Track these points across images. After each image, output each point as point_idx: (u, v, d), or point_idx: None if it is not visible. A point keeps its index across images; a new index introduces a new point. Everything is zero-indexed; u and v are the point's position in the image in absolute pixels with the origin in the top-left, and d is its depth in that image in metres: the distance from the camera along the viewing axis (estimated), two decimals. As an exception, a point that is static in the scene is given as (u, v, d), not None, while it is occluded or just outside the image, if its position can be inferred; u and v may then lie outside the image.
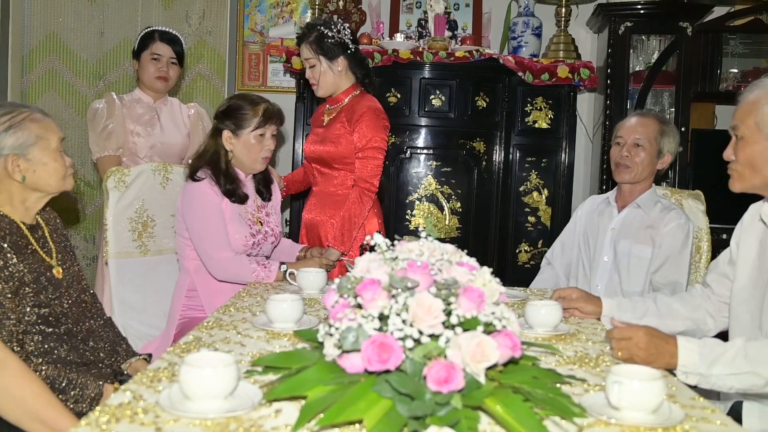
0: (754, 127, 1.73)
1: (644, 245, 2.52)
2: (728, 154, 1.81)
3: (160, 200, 2.73)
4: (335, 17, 2.84)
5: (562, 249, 2.82)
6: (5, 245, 1.73)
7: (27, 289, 1.76)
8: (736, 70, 4.05)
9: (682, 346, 1.57)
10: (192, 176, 2.46)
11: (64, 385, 1.72)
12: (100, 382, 1.79)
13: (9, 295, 1.69)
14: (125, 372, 2.00)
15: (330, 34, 2.72)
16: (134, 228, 2.65)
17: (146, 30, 3.28)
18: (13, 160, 1.78)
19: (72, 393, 1.72)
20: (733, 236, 1.97)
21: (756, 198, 1.88)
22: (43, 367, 1.72)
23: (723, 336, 1.86)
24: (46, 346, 1.80)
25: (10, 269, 1.72)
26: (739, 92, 1.84)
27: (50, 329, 1.81)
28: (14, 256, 1.74)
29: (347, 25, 2.81)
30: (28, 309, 1.76)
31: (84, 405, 1.72)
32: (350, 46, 2.77)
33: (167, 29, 3.29)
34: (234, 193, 2.47)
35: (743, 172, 1.76)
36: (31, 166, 1.80)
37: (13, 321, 1.69)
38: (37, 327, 1.78)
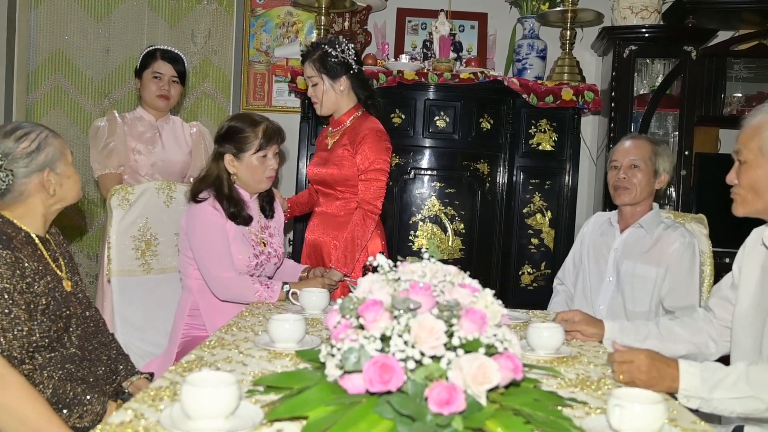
0: (757, 152, 1.74)
1: (648, 265, 2.53)
2: (731, 178, 1.81)
3: (163, 218, 2.73)
4: (340, 37, 2.86)
5: (573, 265, 2.82)
6: (22, 257, 1.75)
7: (41, 299, 1.78)
8: (740, 95, 4.06)
9: (684, 369, 1.57)
10: (194, 198, 2.46)
11: (69, 399, 1.72)
12: (104, 399, 1.79)
13: (23, 307, 1.71)
14: (126, 390, 2.00)
15: (333, 53, 2.74)
16: (137, 246, 2.66)
17: (148, 49, 3.30)
18: (47, 174, 1.84)
19: (77, 408, 1.72)
20: (735, 260, 1.97)
21: (758, 222, 1.88)
22: (50, 382, 1.72)
23: (725, 360, 1.85)
24: (55, 359, 1.81)
25: (27, 281, 1.74)
26: (742, 116, 1.85)
27: (59, 342, 1.83)
28: (30, 268, 1.77)
29: (352, 45, 2.81)
30: (39, 321, 1.77)
31: (88, 421, 1.72)
32: (353, 67, 2.78)
33: (169, 48, 3.32)
34: (238, 215, 2.48)
35: (746, 197, 1.77)
36: (60, 180, 1.88)
37: (25, 333, 1.70)
38: (47, 339, 1.79)
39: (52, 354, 1.81)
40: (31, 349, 1.73)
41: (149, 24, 4.31)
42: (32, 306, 1.75)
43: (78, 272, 2.05)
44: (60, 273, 1.91)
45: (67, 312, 1.86)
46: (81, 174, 3.99)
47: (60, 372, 1.81)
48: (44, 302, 1.78)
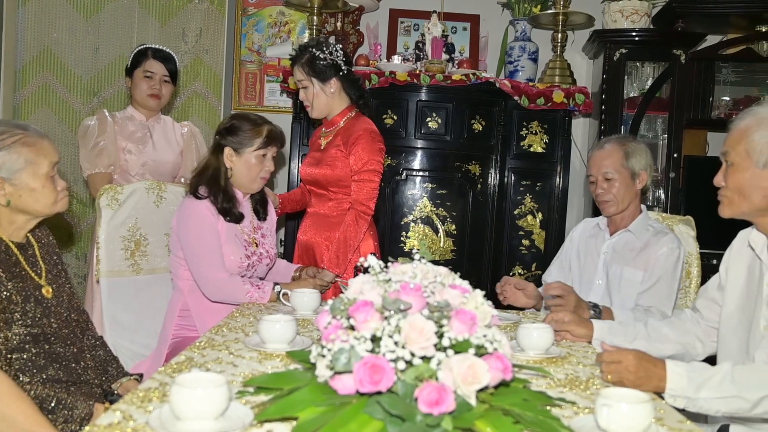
0: (744, 154, 1.75)
1: (635, 269, 2.53)
2: (718, 180, 1.83)
3: (153, 219, 2.72)
4: (330, 38, 2.85)
5: (560, 268, 2.82)
6: None
7: (15, 308, 1.74)
8: (727, 98, 4.09)
9: (671, 369, 1.58)
10: (194, 192, 2.46)
11: (53, 404, 1.70)
12: (90, 402, 1.77)
13: None
14: (115, 392, 1.99)
15: (322, 55, 2.73)
16: (127, 246, 2.65)
17: (139, 47, 3.29)
18: None
19: (62, 413, 1.71)
20: (722, 262, 1.99)
21: (745, 224, 1.90)
22: (32, 387, 1.70)
23: (711, 360, 1.87)
24: (34, 365, 1.78)
25: None
26: (730, 120, 1.87)
27: (39, 348, 1.79)
28: (2, 275, 1.74)
29: (340, 46, 2.80)
30: (16, 328, 1.74)
31: (74, 425, 1.71)
32: (343, 68, 2.77)
33: (160, 47, 3.31)
34: (230, 212, 2.47)
35: (732, 198, 1.79)
36: (17, 191, 1.78)
37: (1, 339, 1.68)
38: (25, 346, 1.76)
39: (32, 359, 1.77)
40: (8, 355, 1.71)
41: (139, 22, 4.28)
42: (7, 313, 1.72)
43: (66, 276, 2.01)
44: (38, 279, 1.86)
45: (47, 318, 1.83)
46: (71, 173, 4.05)
47: (42, 377, 1.78)
48: (18, 309, 1.75)
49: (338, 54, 2.76)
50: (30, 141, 1.78)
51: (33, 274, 1.85)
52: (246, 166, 2.50)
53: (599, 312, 2.32)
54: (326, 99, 2.78)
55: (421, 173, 3.80)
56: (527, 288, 2.48)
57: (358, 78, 2.93)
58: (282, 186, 4.22)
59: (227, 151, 2.50)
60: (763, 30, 4.01)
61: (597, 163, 2.61)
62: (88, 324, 2.08)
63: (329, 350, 1.16)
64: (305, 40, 3.96)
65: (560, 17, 3.92)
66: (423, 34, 3.99)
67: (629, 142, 2.64)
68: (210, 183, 2.48)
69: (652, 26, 4.09)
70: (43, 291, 1.86)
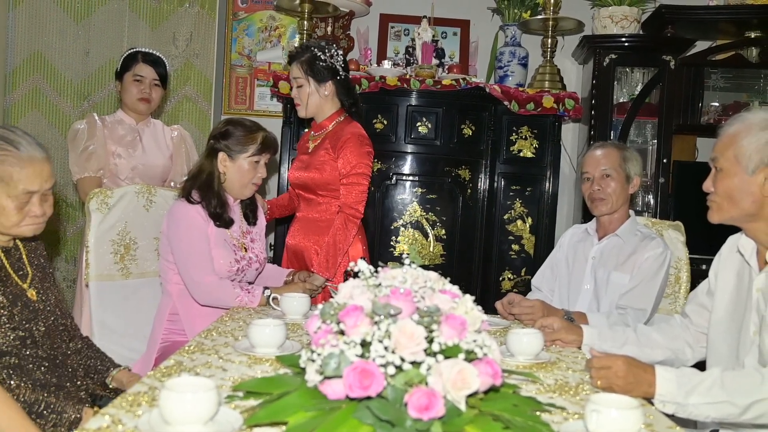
0: (733, 160, 1.76)
1: (623, 273, 2.55)
2: (707, 185, 1.84)
3: (143, 223, 2.71)
4: (332, 43, 2.88)
5: (551, 272, 2.83)
6: None
7: (2, 311, 1.73)
8: (717, 104, 4.12)
9: (660, 375, 1.59)
10: (186, 196, 2.46)
11: (42, 408, 1.69)
12: (79, 406, 1.76)
13: None
14: (110, 386, 1.98)
15: (322, 57, 2.75)
16: (116, 250, 2.64)
17: (129, 51, 3.28)
18: None
19: (50, 417, 1.69)
20: (711, 267, 2.00)
21: (734, 229, 1.91)
22: (21, 391, 1.69)
23: (701, 366, 1.87)
24: (23, 369, 1.77)
25: None
26: (719, 125, 1.87)
27: (26, 351, 1.78)
28: None
29: (341, 52, 2.84)
30: (3, 331, 1.73)
31: (62, 429, 1.69)
32: (340, 73, 2.79)
33: (150, 50, 3.30)
34: (220, 217, 2.47)
35: (722, 204, 1.80)
36: None
37: None
38: (13, 350, 1.75)
39: (20, 362, 1.76)
40: None
41: (130, 26, 4.27)
42: None
43: (54, 281, 1.99)
44: (22, 283, 1.85)
45: (34, 321, 1.81)
46: (60, 177, 4.03)
47: (30, 380, 1.76)
48: (6, 312, 1.74)
49: (338, 59, 2.79)
50: (10, 161, 1.73)
51: (17, 278, 1.84)
52: (239, 171, 2.50)
53: (571, 319, 2.32)
54: (319, 100, 2.79)
55: (411, 178, 3.80)
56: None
57: (354, 86, 2.95)
58: (273, 191, 4.21)
59: (221, 155, 2.50)
60: (752, 36, 4.04)
61: (595, 161, 2.64)
62: (76, 328, 2.06)
63: (319, 355, 1.16)
64: (296, 45, 3.96)
65: (550, 23, 3.93)
66: (413, 39, 4.00)
67: (626, 148, 2.70)
68: (203, 187, 2.47)
69: (641, 32, 4.11)
70: (28, 294, 1.85)
